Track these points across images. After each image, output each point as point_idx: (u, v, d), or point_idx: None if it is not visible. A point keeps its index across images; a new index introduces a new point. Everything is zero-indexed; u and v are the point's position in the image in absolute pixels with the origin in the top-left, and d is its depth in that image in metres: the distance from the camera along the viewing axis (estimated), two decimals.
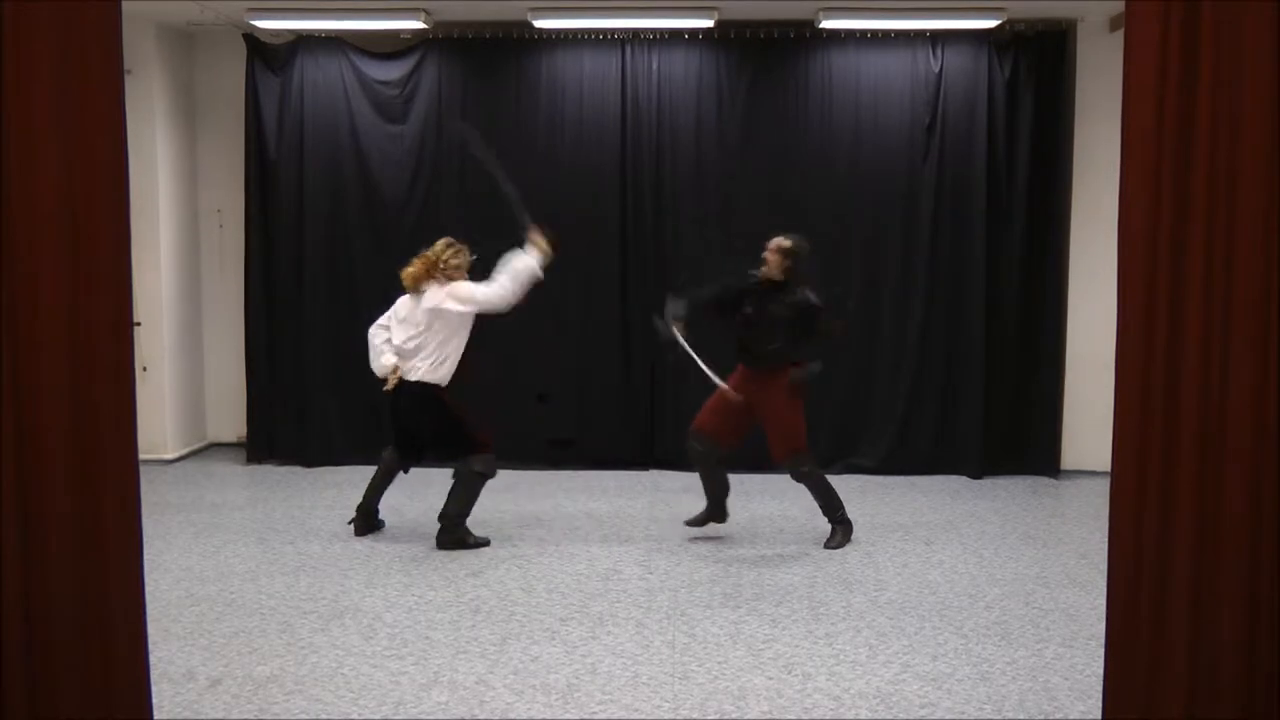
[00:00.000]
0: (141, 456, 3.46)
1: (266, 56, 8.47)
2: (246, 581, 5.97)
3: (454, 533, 6.56)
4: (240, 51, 8.46)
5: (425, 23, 7.95)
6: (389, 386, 6.56)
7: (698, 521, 6.71)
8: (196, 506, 7.44)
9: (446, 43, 8.43)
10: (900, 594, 5.84)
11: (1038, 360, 8.39)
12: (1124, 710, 3.35)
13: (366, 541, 6.65)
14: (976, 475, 8.33)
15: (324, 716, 4.41)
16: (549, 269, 6.55)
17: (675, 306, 6.44)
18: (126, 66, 3.97)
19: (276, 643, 5.14)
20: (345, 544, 6.62)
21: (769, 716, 4.43)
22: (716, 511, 6.71)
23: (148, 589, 3.42)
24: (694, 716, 4.42)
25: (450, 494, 6.58)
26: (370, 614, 5.51)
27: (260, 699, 4.56)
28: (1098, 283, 7.83)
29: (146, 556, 3.41)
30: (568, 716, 4.42)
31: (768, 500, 7.26)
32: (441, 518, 6.58)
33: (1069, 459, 8.45)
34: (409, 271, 6.53)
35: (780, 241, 6.40)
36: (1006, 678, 4.81)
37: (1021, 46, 8.19)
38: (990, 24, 7.91)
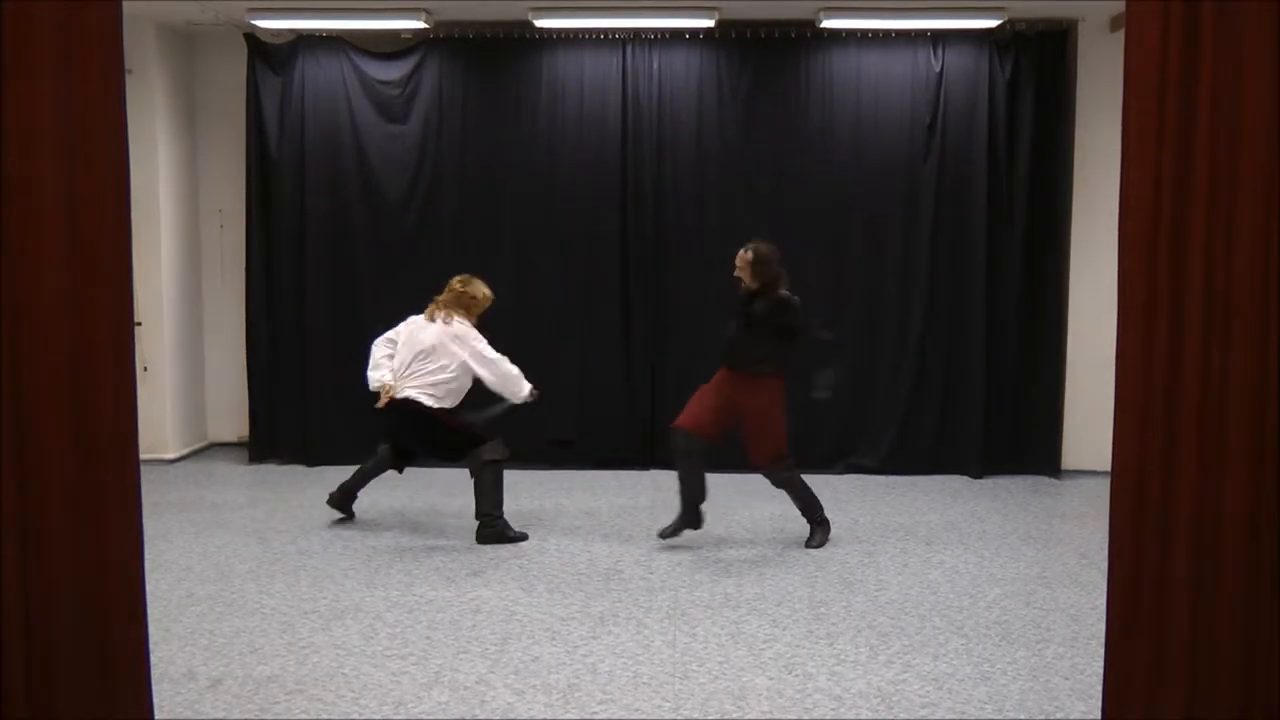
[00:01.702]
0: (142, 456, 3.45)
1: (267, 56, 8.47)
2: (247, 581, 5.98)
3: (492, 527, 6.64)
4: (241, 51, 8.46)
5: (426, 22, 7.95)
6: (380, 403, 6.62)
7: (671, 531, 6.59)
8: (197, 506, 7.44)
9: (447, 42, 8.43)
10: (901, 594, 5.84)
11: (1038, 360, 8.39)
12: (1124, 710, 3.35)
13: (367, 541, 6.65)
14: (977, 475, 8.33)
15: (325, 716, 4.41)
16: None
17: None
18: (127, 66, 3.96)
19: (277, 642, 5.15)
20: (346, 544, 6.63)
21: (769, 716, 4.43)
22: (691, 518, 6.59)
23: (148, 589, 3.41)
24: (694, 716, 4.42)
25: (476, 491, 6.67)
26: (371, 614, 5.51)
27: (261, 699, 4.56)
28: (1098, 283, 7.83)
29: (147, 556, 3.41)
30: (568, 716, 4.42)
31: (767, 500, 7.25)
32: (478, 515, 6.67)
33: (1069, 459, 8.44)
34: (440, 298, 6.74)
35: (743, 255, 6.43)
36: (1007, 678, 4.81)
37: (1022, 46, 8.19)
38: (991, 24, 7.92)
